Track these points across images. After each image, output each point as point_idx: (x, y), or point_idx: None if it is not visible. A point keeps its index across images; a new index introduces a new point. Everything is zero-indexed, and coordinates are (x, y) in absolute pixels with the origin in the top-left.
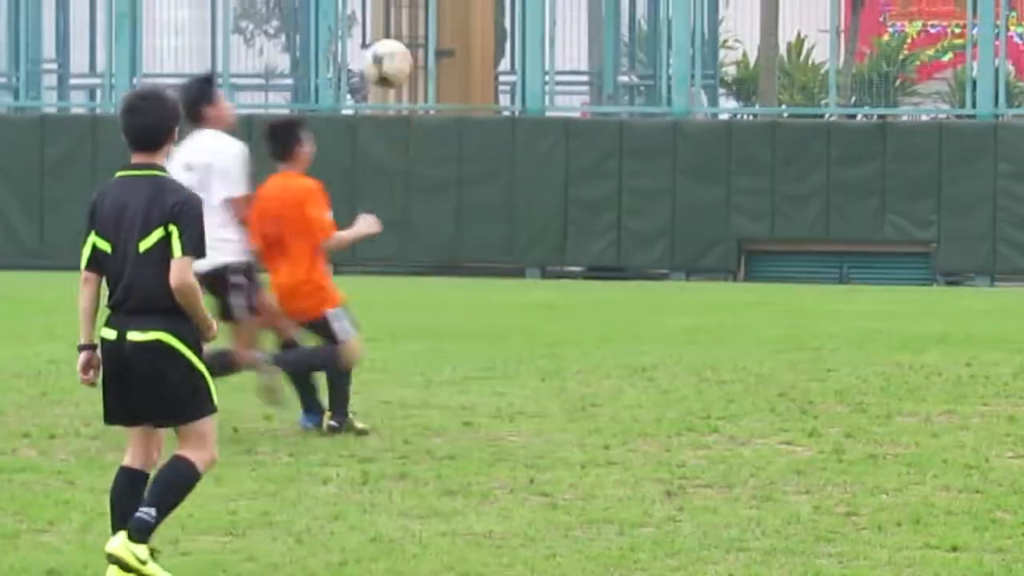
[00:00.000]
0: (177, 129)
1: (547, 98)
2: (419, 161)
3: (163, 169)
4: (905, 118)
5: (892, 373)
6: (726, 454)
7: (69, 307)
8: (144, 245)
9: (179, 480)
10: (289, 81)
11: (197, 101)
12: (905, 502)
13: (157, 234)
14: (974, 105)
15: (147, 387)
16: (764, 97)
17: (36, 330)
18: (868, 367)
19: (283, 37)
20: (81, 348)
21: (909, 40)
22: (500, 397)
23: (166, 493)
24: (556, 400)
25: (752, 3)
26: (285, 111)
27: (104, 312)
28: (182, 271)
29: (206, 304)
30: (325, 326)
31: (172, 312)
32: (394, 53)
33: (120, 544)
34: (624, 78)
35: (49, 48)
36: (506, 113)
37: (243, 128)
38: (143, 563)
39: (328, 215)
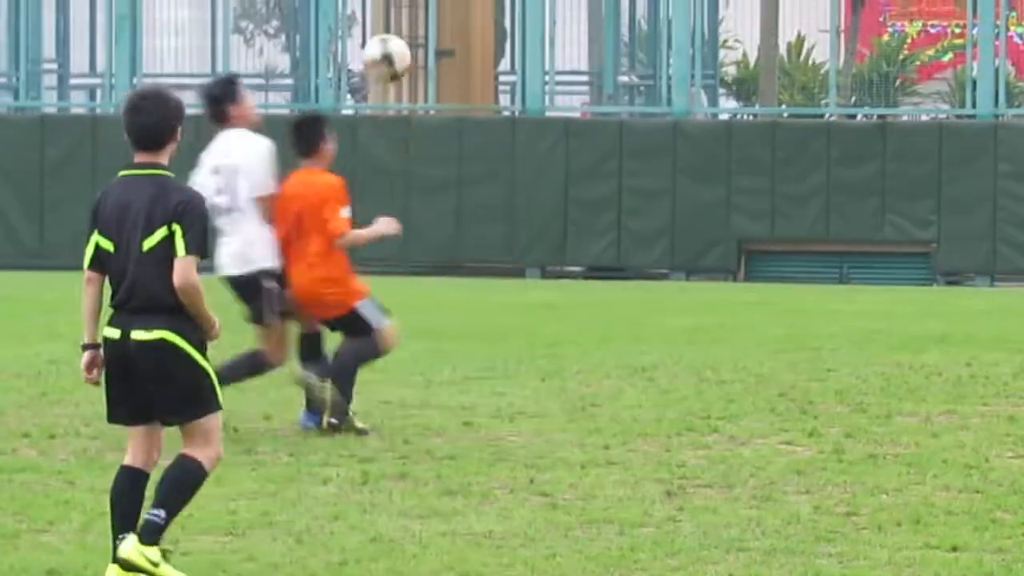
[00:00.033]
0: (180, 129)
1: (547, 98)
2: (419, 161)
3: (166, 168)
4: (905, 118)
5: (892, 373)
6: (726, 454)
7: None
8: (147, 244)
9: (187, 479)
10: (289, 81)
11: (221, 100)
12: (905, 502)
13: (160, 233)
14: (974, 105)
15: (152, 386)
16: (764, 97)
17: (36, 330)
18: (868, 367)
19: (283, 37)
20: (85, 347)
21: (909, 40)
22: (500, 397)
23: (174, 493)
24: (556, 400)
25: (752, 3)
26: (285, 111)
27: (107, 311)
28: (186, 270)
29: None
30: (356, 318)
31: (175, 311)
32: (404, 52)
33: (132, 547)
34: (624, 78)
35: (49, 48)
36: (506, 113)
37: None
38: (156, 565)
39: (345, 212)
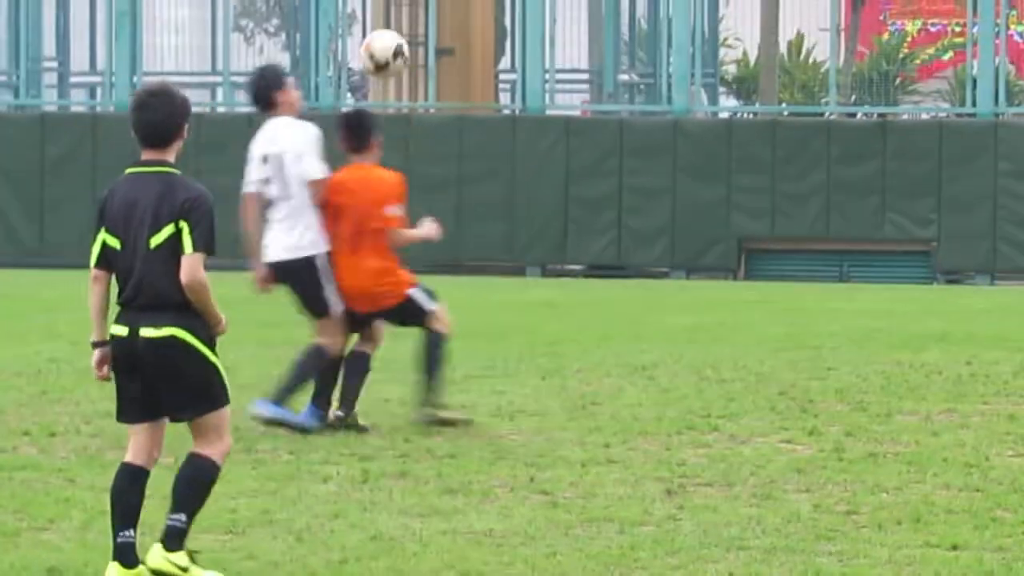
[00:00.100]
0: (187, 126)
1: (547, 96)
2: (419, 159)
3: (173, 165)
4: (905, 117)
5: (892, 372)
6: (726, 452)
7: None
8: (154, 241)
9: (201, 478)
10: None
11: (269, 87)
12: (905, 500)
13: (167, 230)
14: (974, 104)
15: (161, 383)
16: (764, 96)
17: (36, 329)
18: (868, 365)
19: (283, 35)
20: (95, 345)
21: (909, 39)
22: (500, 395)
23: (191, 494)
24: (556, 398)
25: (752, 2)
26: None
27: (114, 309)
28: (193, 267)
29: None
30: (411, 303)
31: (183, 308)
32: (384, 46)
33: (159, 557)
34: (624, 76)
35: (49, 46)
36: (506, 111)
37: (243, 128)
38: (185, 570)
39: (400, 210)
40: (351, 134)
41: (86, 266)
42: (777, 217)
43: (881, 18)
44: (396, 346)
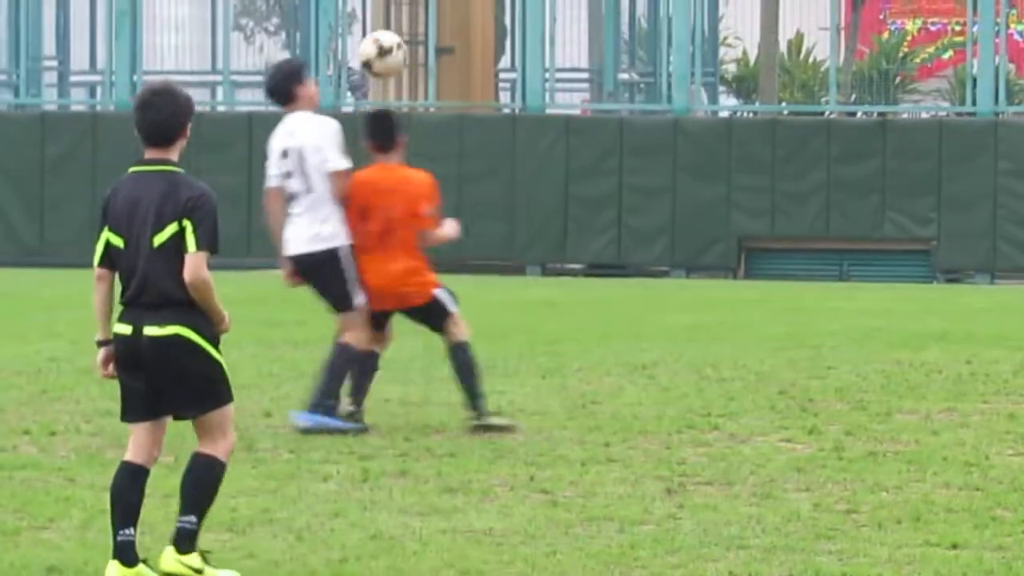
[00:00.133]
0: (190, 125)
1: (547, 95)
2: (419, 158)
3: (176, 164)
4: (905, 116)
5: (892, 371)
6: (726, 451)
7: (69, 305)
8: (158, 240)
9: (208, 478)
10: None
11: (289, 81)
12: (905, 499)
13: (171, 229)
14: (974, 103)
15: (165, 381)
16: (764, 95)
17: (36, 328)
18: (868, 365)
19: (283, 34)
20: (99, 344)
21: (909, 38)
22: (500, 395)
23: (199, 494)
24: (556, 398)
25: (752, 1)
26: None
27: (117, 307)
28: (196, 266)
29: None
30: (437, 304)
31: (187, 306)
32: (403, 45)
33: (172, 560)
34: (624, 75)
35: (49, 45)
36: (506, 110)
37: (244, 126)
38: (199, 572)
39: (434, 210)
40: (380, 133)
41: (86, 265)
42: (777, 216)
43: (881, 17)
44: (396, 346)
